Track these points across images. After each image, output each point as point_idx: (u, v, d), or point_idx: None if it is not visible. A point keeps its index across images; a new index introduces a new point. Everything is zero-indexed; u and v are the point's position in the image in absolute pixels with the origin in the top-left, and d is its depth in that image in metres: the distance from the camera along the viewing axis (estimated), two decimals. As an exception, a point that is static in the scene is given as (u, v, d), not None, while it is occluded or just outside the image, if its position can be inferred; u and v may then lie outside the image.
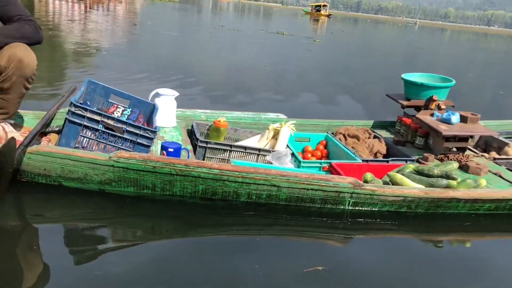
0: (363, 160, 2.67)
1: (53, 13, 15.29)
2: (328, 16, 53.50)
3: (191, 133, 2.79)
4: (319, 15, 51.44)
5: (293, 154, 2.66)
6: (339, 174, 2.40)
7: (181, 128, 2.81)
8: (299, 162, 2.60)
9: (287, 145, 2.76)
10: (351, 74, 8.40)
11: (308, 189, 2.14)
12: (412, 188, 2.27)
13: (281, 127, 2.77)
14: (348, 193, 2.16)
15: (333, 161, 2.57)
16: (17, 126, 2.39)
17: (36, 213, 1.98)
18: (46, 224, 1.90)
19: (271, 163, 2.56)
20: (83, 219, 1.96)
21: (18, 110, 2.43)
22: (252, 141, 2.82)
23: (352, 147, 2.95)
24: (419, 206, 2.28)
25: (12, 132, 2.25)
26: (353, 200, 2.20)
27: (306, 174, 2.12)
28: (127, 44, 9.18)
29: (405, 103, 3.37)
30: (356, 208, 2.24)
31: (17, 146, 1.93)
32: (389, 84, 6.79)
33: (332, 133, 3.15)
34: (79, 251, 1.74)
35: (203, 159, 2.51)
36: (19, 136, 2.27)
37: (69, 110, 2.08)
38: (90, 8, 18.99)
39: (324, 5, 55.48)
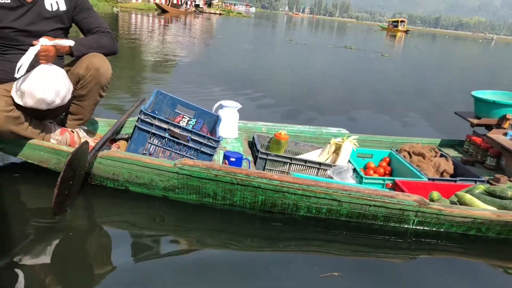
0: (429, 179, 2.55)
1: (135, 25, 16.56)
2: (406, 32, 52.64)
3: (252, 145, 2.82)
4: (396, 30, 50.76)
5: (354, 170, 2.60)
6: (403, 192, 2.32)
7: (243, 140, 2.84)
8: (361, 178, 2.54)
9: (349, 161, 2.71)
10: (418, 90, 8.12)
11: (370, 205, 2.08)
12: (482, 209, 2.13)
13: (343, 142, 2.73)
14: (413, 211, 2.08)
15: (397, 178, 2.49)
16: (90, 132, 2.52)
17: (103, 215, 2.07)
18: (112, 226, 1.98)
19: (332, 177, 2.52)
20: (147, 224, 2.02)
21: (91, 117, 2.57)
22: (312, 155, 2.80)
23: (417, 165, 2.84)
24: (490, 229, 2.14)
25: (85, 138, 2.38)
26: (418, 219, 2.11)
27: (369, 190, 2.06)
28: (199, 56, 9.54)
29: (475, 121, 3.20)
30: (421, 228, 2.14)
31: (89, 151, 2.04)
32: (458, 101, 6.50)
33: (396, 150, 3.05)
34: (140, 254, 1.80)
35: (263, 171, 2.52)
36: (91, 142, 2.41)
37: (138, 117, 2.17)
38: (168, 22, 20.25)
39: (402, 21, 54.83)
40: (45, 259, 1.65)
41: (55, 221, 1.89)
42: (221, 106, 2.86)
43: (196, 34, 16.05)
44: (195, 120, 2.61)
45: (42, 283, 1.54)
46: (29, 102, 1.97)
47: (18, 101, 1.98)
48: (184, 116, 2.62)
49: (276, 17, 61.09)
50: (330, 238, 2.08)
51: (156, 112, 2.52)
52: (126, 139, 2.59)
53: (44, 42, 2.04)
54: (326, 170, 2.57)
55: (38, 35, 2.15)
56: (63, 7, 2.22)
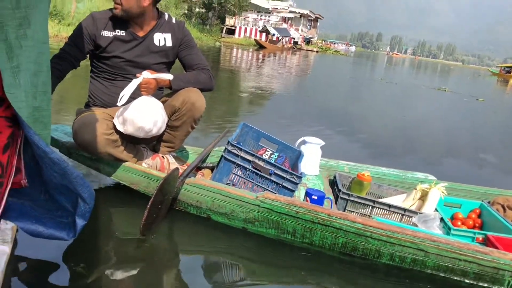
0: (527, 237, 2.33)
1: (235, 58, 17.92)
2: None
3: (332, 184, 2.77)
4: (508, 76, 45.99)
5: (442, 219, 2.45)
6: (496, 248, 2.13)
7: (324, 177, 2.81)
8: (449, 228, 2.38)
9: (436, 209, 2.56)
10: None
11: (460, 260, 1.93)
12: None
13: (430, 189, 2.59)
14: (509, 271, 1.90)
15: (490, 233, 2.30)
16: (178, 159, 2.63)
17: (184, 240, 2.13)
18: (192, 253, 2.03)
19: (417, 225, 2.39)
20: (225, 254, 2.04)
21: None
22: (396, 200, 2.68)
23: (513, 221, 2.61)
24: None
25: (174, 164, 2.49)
26: (515, 282, 1.92)
27: (459, 243, 1.92)
28: (291, 91, 9.76)
29: None
30: (518, 292, 1.95)
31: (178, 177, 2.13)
32: None
33: (488, 202, 2.83)
34: (216, 283, 1.82)
35: (343, 211, 2.46)
36: (179, 168, 2.51)
37: (226, 148, 2.23)
38: (265, 56, 21.58)
39: None
40: (126, 275, 1.73)
41: (141, 241, 1.97)
42: (304, 142, 2.86)
43: (291, 70, 16.67)
44: (278, 154, 2.63)
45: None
46: (129, 129, 2.11)
47: (120, 127, 2.13)
48: (267, 150, 2.65)
49: (376, 57, 61.01)
50: (413, 291, 1.95)
51: (241, 144, 2.58)
52: (211, 168, 2.67)
53: (146, 75, 2.20)
54: (411, 217, 2.44)
55: (143, 67, 2.33)
56: (169, 44, 2.39)
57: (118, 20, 2.29)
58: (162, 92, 2.54)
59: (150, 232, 2.01)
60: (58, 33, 14.56)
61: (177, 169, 2.06)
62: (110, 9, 2.31)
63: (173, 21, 2.44)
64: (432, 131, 7.31)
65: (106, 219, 2.22)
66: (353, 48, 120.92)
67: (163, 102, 2.37)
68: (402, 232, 1.94)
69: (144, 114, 2.10)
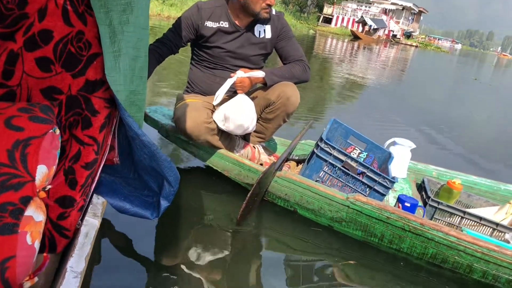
0: None
1: (329, 48, 18.56)
2: None
3: (420, 188, 2.70)
4: None
5: (538, 239, 2.32)
6: None
7: (411, 181, 2.74)
8: (546, 250, 2.24)
9: (531, 227, 2.42)
10: None
11: (561, 288, 1.83)
12: None
13: (526, 205, 2.45)
14: None
15: None
16: (266, 149, 2.69)
17: (271, 231, 2.19)
18: (278, 243, 2.09)
19: (509, 242, 2.28)
20: (310, 250, 2.08)
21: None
22: (487, 212, 2.56)
23: None
24: None
25: (263, 154, 2.55)
26: None
27: None
28: (384, 88, 9.53)
29: None
30: None
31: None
32: None
33: None
34: (295, 277, 1.87)
35: (430, 219, 2.40)
36: (267, 159, 2.57)
37: (318, 145, 2.24)
38: (359, 48, 22.32)
39: None
40: (216, 260, 1.83)
41: (235, 228, 2.07)
42: (394, 143, 2.80)
43: (386, 64, 16.39)
44: (366, 153, 2.61)
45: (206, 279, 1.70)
46: (230, 126, 2.19)
47: (220, 124, 2.21)
48: (356, 148, 2.63)
49: (483, 57, 57.32)
50: (504, 312, 1.89)
51: (330, 140, 2.58)
52: (296, 161, 2.70)
53: (240, 74, 2.25)
54: (503, 232, 2.33)
55: (243, 58, 2.39)
56: (268, 35, 2.42)
57: (222, 11, 2.35)
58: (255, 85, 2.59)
59: (245, 221, 2.09)
60: (161, 12, 15.27)
61: (274, 163, 2.11)
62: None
63: (273, 12, 2.45)
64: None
65: (196, 202, 2.34)
66: (458, 46, 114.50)
67: (256, 96, 2.42)
68: (500, 251, 1.87)
69: (243, 113, 2.17)
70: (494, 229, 2.37)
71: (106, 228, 1.88)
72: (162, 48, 2.34)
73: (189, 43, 2.45)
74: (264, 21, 2.41)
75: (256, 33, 2.40)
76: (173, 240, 1.91)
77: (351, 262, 1.96)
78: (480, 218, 2.39)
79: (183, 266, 1.74)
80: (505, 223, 2.48)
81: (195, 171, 2.74)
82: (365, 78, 9.95)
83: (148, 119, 2.57)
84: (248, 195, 1.91)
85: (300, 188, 2.19)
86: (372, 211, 2.04)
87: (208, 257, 1.83)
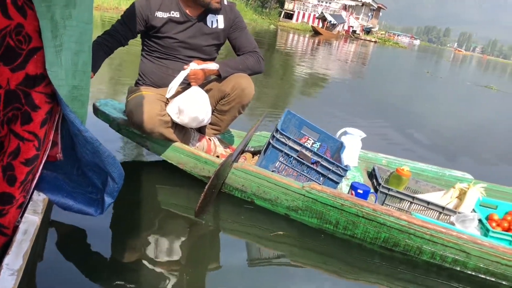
0: None
1: (291, 43, 19.15)
2: None
3: (371, 176, 2.79)
4: None
5: (480, 220, 2.47)
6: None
7: (362, 169, 2.83)
8: (487, 230, 2.39)
9: (473, 209, 2.57)
10: None
11: (502, 264, 1.96)
12: None
13: (469, 188, 2.60)
14: (551, 280, 1.92)
15: (529, 239, 2.31)
16: (221, 141, 2.68)
17: (228, 222, 2.20)
18: (235, 234, 2.11)
19: (454, 224, 2.41)
20: (267, 238, 2.11)
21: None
22: (434, 196, 2.70)
23: (549, 227, 2.61)
24: None
25: (219, 147, 2.54)
26: (555, 290, 1.95)
27: (504, 247, 1.95)
28: (342, 82, 9.74)
29: None
30: (557, 300, 1.98)
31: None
32: None
33: (525, 206, 2.83)
34: (254, 262, 1.92)
35: (382, 205, 2.49)
36: (223, 151, 2.56)
37: (274, 136, 2.26)
38: (320, 43, 22.93)
39: None
40: (174, 252, 1.82)
41: (193, 221, 2.06)
42: (345, 133, 2.88)
43: (342, 59, 16.81)
44: (319, 143, 2.66)
45: (162, 268, 1.68)
46: (185, 119, 2.17)
47: (175, 118, 2.18)
48: (309, 139, 2.68)
49: (441, 52, 60.16)
50: (451, 290, 2.00)
51: (284, 131, 2.61)
52: (252, 152, 2.71)
53: (194, 66, 2.23)
54: (449, 215, 2.46)
55: (195, 48, 2.36)
56: (221, 25, 2.40)
57: (172, 1, 2.31)
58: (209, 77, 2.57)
59: (203, 214, 2.08)
60: (119, 6, 14.79)
61: (231, 155, 2.11)
62: None
63: (225, 2, 2.44)
64: (469, 127, 7.24)
65: (151, 195, 2.31)
66: (417, 42, 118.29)
67: (211, 88, 2.41)
68: (447, 232, 1.97)
69: (197, 105, 2.16)
70: (440, 213, 2.50)
71: (56, 225, 1.81)
72: (110, 40, 2.27)
73: (139, 35, 2.39)
74: (216, 11, 2.39)
75: (209, 23, 2.38)
76: (129, 235, 1.87)
77: (280, 232, 2.08)
78: (428, 203, 2.51)
79: (140, 261, 1.70)
80: (450, 206, 2.62)
81: (149, 165, 2.70)
82: (323, 72, 10.17)
83: (98, 112, 2.49)
84: (206, 187, 1.90)
85: (257, 179, 2.20)
86: (327, 198, 2.09)
87: (166, 250, 1.81)
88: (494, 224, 2.73)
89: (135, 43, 2.56)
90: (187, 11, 2.33)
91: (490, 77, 25.41)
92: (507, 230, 2.70)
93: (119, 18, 2.33)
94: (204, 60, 2.37)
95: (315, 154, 2.26)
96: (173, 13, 2.31)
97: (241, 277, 1.77)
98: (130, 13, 2.28)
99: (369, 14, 59.14)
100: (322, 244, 2.13)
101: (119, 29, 2.29)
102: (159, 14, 2.29)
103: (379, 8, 63.53)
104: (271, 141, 2.28)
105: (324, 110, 5.69)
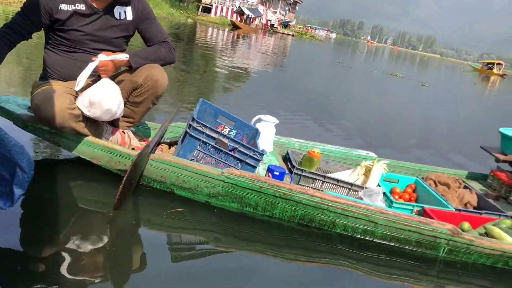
0: (456, 209, 2.65)
1: (211, 37, 19.35)
2: (502, 76, 45.46)
3: (285, 159, 2.92)
4: (490, 73, 45.63)
5: (384, 194, 2.70)
6: (431, 219, 2.41)
7: (277, 154, 2.95)
8: (391, 202, 2.63)
9: (378, 184, 2.81)
10: (448, 122, 8.24)
11: (405, 230, 2.17)
12: None
13: (373, 165, 2.83)
14: (445, 239, 2.17)
15: (426, 206, 2.58)
16: (136, 134, 2.63)
17: (148, 213, 2.19)
18: (155, 225, 2.10)
19: (362, 198, 2.62)
20: (189, 227, 2.13)
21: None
22: (343, 175, 2.89)
23: (442, 195, 2.93)
24: (516, 264, 2.24)
25: (133, 139, 2.50)
26: (448, 248, 2.20)
27: (405, 215, 2.16)
28: (261, 72, 9.84)
29: (501, 157, 3.30)
30: (450, 257, 2.23)
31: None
32: (486, 136, 6.64)
33: (422, 178, 3.15)
34: (178, 253, 1.93)
35: (297, 186, 2.62)
36: (138, 143, 2.52)
37: (190, 125, 2.28)
38: (239, 37, 23.55)
39: (499, 63, 48.79)
40: (95, 246, 1.78)
41: (105, 215, 2.01)
42: (259, 120, 2.97)
43: (264, 51, 17.34)
44: (236, 131, 2.72)
45: (84, 266, 1.65)
46: (97, 112, 2.10)
47: (86, 111, 2.10)
48: (225, 127, 2.73)
49: (355, 45, 64.18)
50: (362, 258, 2.16)
51: (200, 120, 2.63)
52: (168, 143, 2.70)
53: (103, 58, 2.17)
54: (357, 191, 2.66)
55: (103, 41, 2.29)
56: (129, 17, 2.35)
57: None
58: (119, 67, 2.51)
59: (122, 206, 2.04)
60: None
61: (147, 146, 2.09)
62: None
63: None
64: (375, 111, 7.77)
65: (67, 193, 2.21)
66: (333, 35, 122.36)
67: (122, 80, 2.36)
68: (356, 205, 2.14)
69: (109, 97, 2.11)
70: (349, 189, 2.69)
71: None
72: (12, 34, 2.12)
73: (43, 28, 2.27)
74: (124, 3, 2.33)
75: (116, 15, 2.32)
76: (44, 233, 1.78)
77: (179, 209, 2.16)
78: (338, 181, 2.69)
79: (55, 259, 1.64)
80: (358, 183, 2.83)
81: (62, 163, 2.57)
82: (245, 65, 10.37)
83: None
84: (124, 178, 1.87)
85: (175, 169, 2.21)
86: (246, 182, 2.16)
87: (86, 245, 1.75)
88: (396, 197, 3.00)
89: (42, 36, 2.42)
90: (93, 3, 2.25)
91: (398, 66, 27.57)
92: (408, 200, 2.99)
93: (19, 9, 2.18)
94: (114, 52, 2.31)
95: (232, 140, 2.32)
96: (78, 6, 2.21)
97: (165, 269, 1.77)
98: (31, 5, 2.15)
99: (286, 8, 60.70)
100: (243, 228, 2.20)
101: (20, 22, 2.14)
102: (64, 6, 2.19)
103: (295, 2, 65.36)
104: (188, 130, 2.29)
105: (244, 102, 5.84)
